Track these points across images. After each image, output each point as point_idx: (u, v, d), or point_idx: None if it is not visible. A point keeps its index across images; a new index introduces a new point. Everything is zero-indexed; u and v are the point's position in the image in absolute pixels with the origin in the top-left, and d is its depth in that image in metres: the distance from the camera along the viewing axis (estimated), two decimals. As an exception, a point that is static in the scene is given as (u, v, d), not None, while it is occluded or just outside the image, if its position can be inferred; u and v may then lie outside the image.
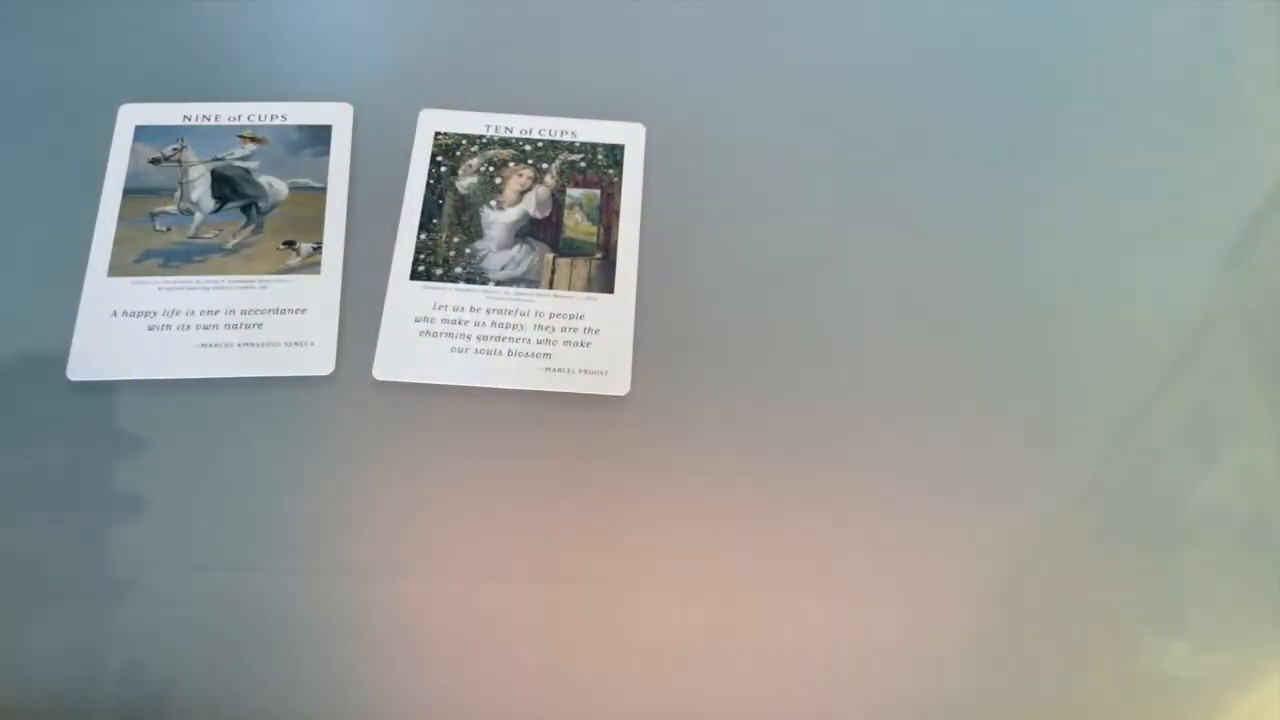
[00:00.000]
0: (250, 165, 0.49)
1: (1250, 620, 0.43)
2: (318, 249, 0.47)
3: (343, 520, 0.42)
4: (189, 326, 0.45)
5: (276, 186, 0.48)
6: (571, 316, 0.45)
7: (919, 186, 0.49)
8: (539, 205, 0.48)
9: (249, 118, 0.49)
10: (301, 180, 0.48)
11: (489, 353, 0.45)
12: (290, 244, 0.47)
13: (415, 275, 0.46)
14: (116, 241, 0.46)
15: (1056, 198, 0.49)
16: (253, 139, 0.49)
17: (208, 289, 0.45)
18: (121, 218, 0.47)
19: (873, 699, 0.41)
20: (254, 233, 0.47)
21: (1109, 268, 0.48)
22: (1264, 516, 0.44)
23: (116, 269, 0.46)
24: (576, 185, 0.48)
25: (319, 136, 0.49)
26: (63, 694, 0.40)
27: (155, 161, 0.48)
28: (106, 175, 0.48)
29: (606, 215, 0.48)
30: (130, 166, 0.48)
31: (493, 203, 0.48)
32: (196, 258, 0.46)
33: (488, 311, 0.45)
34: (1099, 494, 0.44)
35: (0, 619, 0.41)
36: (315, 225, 0.47)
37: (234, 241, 0.47)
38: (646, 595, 0.42)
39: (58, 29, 0.52)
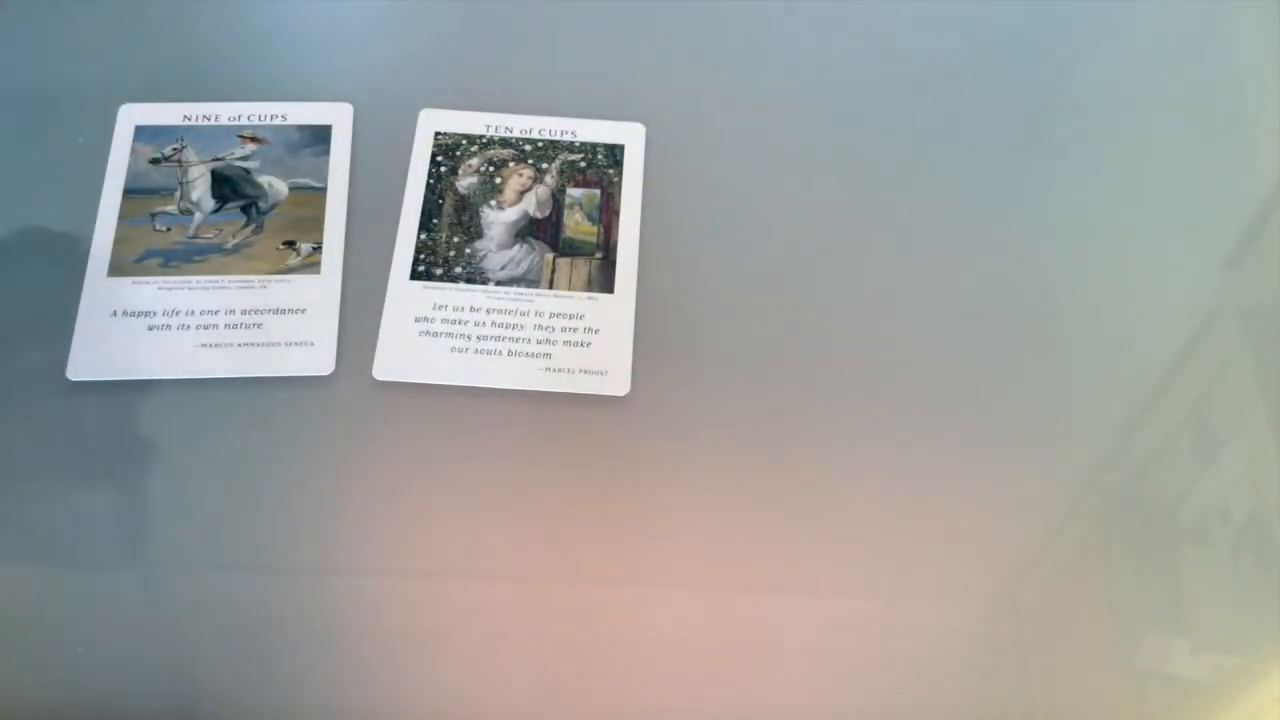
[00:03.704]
0: (250, 165, 0.48)
1: (1250, 620, 0.42)
2: (318, 249, 0.47)
3: (342, 520, 0.42)
4: (189, 326, 0.45)
5: (276, 186, 0.48)
6: (571, 316, 0.45)
7: (919, 186, 0.49)
8: (539, 205, 0.48)
9: (249, 118, 0.49)
10: (301, 180, 0.48)
11: (489, 353, 0.45)
12: (290, 244, 0.47)
13: (415, 275, 0.46)
14: (116, 241, 0.46)
15: (1056, 199, 0.49)
16: (253, 139, 0.49)
17: (208, 289, 0.45)
18: (121, 218, 0.47)
19: (873, 698, 0.40)
20: (254, 233, 0.47)
21: (1109, 268, 0.48)
22: (1264, 516, 0.44)
23: (116, 269, 0.46)
24: (576, 185, 0.48)
25: (319, 136, 0.49)
26: (58, 694, 0.40)
27: (155, 161, 0.48)
28: (106, 175, 0.48)
29: (606, 215, 0.48)
30: (130, 166, 0.48)
31: (493, 203, 0.48)
32: (196, 258, 0.46)
33: (488, 311, 0.45)
34: (1099, 493, 0.44)
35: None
36: (315, 225, 0.47)
37: (234, 241, 0.47)
38: (646, 594, 0.42)
39: (58, 29, 0.52)
